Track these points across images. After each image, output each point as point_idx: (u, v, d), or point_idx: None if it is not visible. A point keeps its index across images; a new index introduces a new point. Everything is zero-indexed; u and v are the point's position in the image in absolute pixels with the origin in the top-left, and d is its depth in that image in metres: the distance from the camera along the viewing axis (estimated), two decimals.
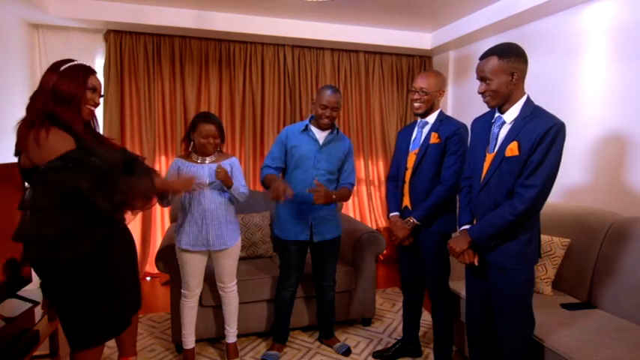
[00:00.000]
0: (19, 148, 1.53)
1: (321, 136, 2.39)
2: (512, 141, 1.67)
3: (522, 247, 1.71)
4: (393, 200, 2.38)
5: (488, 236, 1.73)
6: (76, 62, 1.63)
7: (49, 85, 1.56)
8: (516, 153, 1.66)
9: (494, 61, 1.68)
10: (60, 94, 1.55)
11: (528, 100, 1.72)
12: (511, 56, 1.67)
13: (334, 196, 2.34)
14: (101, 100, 1.72)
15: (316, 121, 2.39)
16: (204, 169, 2.24)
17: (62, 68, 1.58)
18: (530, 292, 1.76)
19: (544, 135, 1.60)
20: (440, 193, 2.16)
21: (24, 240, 1.52)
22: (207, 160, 2.28)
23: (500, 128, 1.76)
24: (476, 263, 1.82)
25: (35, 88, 1.60)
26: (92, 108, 1.68)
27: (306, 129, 2.39)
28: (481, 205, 1.79)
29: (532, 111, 1.68)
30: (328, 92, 2.31)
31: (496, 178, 1.73)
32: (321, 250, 2.47)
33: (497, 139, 1.76)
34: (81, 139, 1.56)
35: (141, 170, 1.72)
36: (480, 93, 1.76)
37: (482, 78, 1.73)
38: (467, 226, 1.87)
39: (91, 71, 1.65)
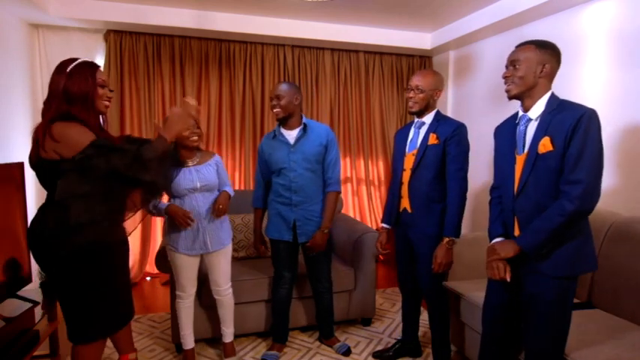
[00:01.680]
0: (39, 146, 1.52)
1: (291, 136, 2.39)
2: (544, 136, 1.58)
3: (572, 253, 1.58)
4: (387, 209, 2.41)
5: (540, 243, 1.57)
6: (80, 60, 1.63)
7: (60, 87, 1.57)
8: (550, 148, 1.56)
9: (530, 48, 1.66)
10: (72, 94, 1.57)
11: (553, 95, 1.66)
12: (548, 49, 1.66)
13: (326, 230, 2.36)
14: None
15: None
16: (192, 173, 2.20)
17: (69, 69, 1.59)
18: (572, 302, 1.64)
19: (576, 125, 1.50)
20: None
21: (77, 226, 1.52)
22: (191, 162, 2.22)
23: (526, 126, 1.67)
24: (508, 279, 1.62)
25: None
26: (107, 103, 1.68)
27: (275, 135, 2.41)
28: (522, 211, 1.66)
29: (558, 104, 1.62)
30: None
31: (533, 179, 1.61)
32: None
33: (524, 137, 1.67)
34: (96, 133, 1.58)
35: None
36: (504, 77, 1.71)
37: (512, 62, 1.68)
38: (499, 239, 1.73)
39: (95, 66, 1.66)
